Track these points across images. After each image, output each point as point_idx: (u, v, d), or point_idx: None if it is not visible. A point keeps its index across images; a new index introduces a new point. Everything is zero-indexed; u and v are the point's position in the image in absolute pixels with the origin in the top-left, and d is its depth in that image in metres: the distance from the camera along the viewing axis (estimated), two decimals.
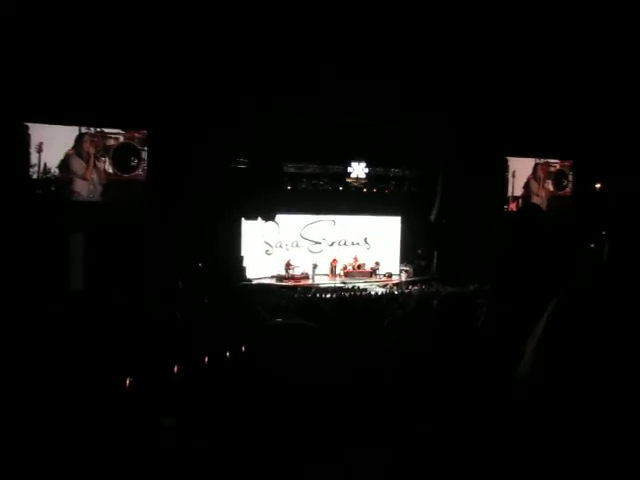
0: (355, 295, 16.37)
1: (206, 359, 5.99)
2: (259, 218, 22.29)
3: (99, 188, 19.20)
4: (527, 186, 24.44)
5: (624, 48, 19.39)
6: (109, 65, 17.20)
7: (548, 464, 1.02)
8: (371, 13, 16.84)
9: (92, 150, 18.98)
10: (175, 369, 4.96)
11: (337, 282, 22.17)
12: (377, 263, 24.14)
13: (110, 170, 19.34)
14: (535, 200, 24.04)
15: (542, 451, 1.02)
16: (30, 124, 17.83)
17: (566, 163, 24.87)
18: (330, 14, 16.75)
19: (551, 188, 24.69)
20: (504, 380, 1.24)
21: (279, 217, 22.78)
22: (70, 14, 15.99)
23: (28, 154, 17.73)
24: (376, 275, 23.72)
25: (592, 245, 18.36)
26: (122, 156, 19.45)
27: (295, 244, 23.80)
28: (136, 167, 19.65)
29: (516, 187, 24.32)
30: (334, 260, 23.78)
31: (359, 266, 23.84)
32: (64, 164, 18.62)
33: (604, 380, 1.00)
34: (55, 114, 17.94)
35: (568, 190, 24.82)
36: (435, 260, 23.65)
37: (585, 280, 1.18)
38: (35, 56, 16.05)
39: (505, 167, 24.06)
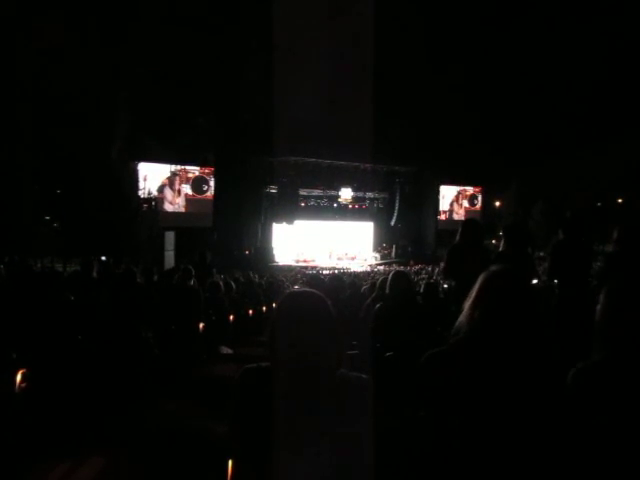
0: (344, 272, 16.32)
1: (250, 311, 6.00)
2: (284, 222, 22.38)
3: (183, 203, 19.35)
4: (452, 204, 24.44)
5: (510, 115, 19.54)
6: (191, 129, 17.70)
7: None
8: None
9: (178, 181, 19.26)
10: (231, 317, 4.98)
11: (332, 263, 22.13)
12: (359, 252, 24.05)
13: (190, 192, 19.48)
14: (455, 214, 24.21)
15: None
16: (139, 162, 17.95)
17: (476, 189, 24.87)
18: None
19: (467, 205, 24.66)
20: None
21: (296, 222, 22.78)
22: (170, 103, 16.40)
23: (137, 182, 17.80)
24: (356, 259, 23.63)
25: (493, 241, 18.36)
26: (198, 184, 19.64)
27: (306, 238, 23.79)
28: (206, 191, 19.80)
29: (444, 204, 24.32)
30: (331, 249, 23.68)
31: (346, 253, 23.75)
32: (160, 189, 18.78)
33: (519, 320, 1.01)
34: (155, 157, 18.20)
35: (478, 207, 24.81)
36: (394, 250, 23.67)
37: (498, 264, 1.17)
38: (143, 124, 16.48)
39: (438, 192, 24.03)
